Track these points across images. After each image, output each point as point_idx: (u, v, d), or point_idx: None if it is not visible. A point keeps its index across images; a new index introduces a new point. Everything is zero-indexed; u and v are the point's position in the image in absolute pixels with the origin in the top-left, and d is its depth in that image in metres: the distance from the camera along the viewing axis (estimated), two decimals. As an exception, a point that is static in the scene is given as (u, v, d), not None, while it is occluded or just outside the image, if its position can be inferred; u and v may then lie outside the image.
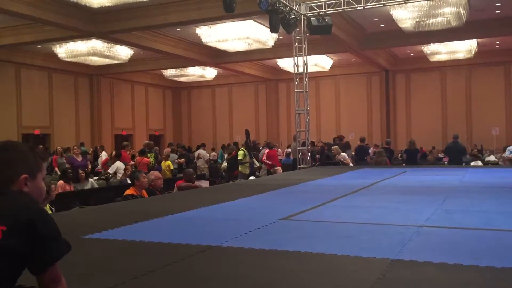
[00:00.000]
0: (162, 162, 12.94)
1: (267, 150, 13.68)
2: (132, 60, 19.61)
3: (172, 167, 12.87)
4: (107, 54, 18.04)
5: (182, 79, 24.46)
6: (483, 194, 5.94)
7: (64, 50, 17.83)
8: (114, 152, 13.99)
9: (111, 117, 24.04)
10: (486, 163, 14.16)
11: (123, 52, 18.52)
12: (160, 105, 27.26)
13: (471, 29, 15.44)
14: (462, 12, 13.16)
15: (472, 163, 12.60)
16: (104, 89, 23.63)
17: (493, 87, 21.04)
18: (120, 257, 3.17)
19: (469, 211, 4.67)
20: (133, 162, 11.76)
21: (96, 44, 17.30)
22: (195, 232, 3.96)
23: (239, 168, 12.51)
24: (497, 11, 15.12)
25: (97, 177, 11.05)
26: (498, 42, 19.24)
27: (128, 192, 6.23)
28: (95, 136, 22.99)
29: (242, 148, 12.89)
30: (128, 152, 13.33)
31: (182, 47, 18.42)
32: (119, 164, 11.08)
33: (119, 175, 10.75)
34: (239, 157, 12.54)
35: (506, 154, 10.93)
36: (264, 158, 13.50)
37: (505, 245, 3.25)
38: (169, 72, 23.55)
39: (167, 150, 14.78)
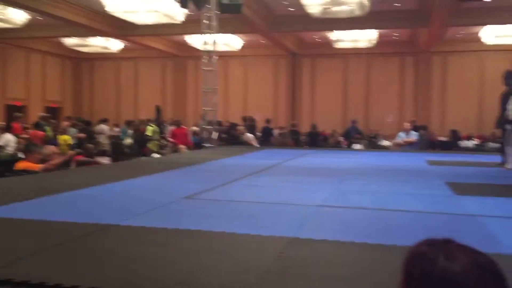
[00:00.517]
0: (60, 136, 12.21)
1: (174, 128, 13.45)
2: (28, 25, 18.11)
3: (70, 142, 12.20)
4: (0, 17, 16.50)
5: (84, 49, 23.06)
6: (376, 176, 6.35)
7: None
8: (2, 123, 12.97)
9: (2, 86, 22.15)
10: (380, 147, 15.15)
11: (18, 16, 17.08)
12: (58, 75, 25.57)
13: (373, 19, 16.24)
14: (365, 2, 13.79)
15: (357, 146, 13.42)
16: (-5, 54, 21.65)
17: (389, 76, 22.42)
18: (9, 235, 2.95)
19: (363, 192, 4.97)
20: (26, 135, 10.98)
21: (-13, 5, 15.74)
22: (93, 210, 3.79)
23: (149, 145, 12.11)
24: (396, 4, 16.05)
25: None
26: (396, 34, 20.48)
27: (19, 166, 5.80)
28: (-17, 105, 21.09)
29: (151, 124, 12.46)
30: (20, 124, 12.41)
31: (84, 15, 17.34)
32: (9, 137, 10.28)
33: (10, 149, 9.98)
34: (148, 133, 12.12)
35: (397, 139, 11.77)
36: (170, 136, 13.28)
37: (394, 224, 3.50)
38: (69, 41, 22.09)
39: (65, 123, 13.98)
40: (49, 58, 24.67)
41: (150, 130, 12.13)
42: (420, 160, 8.55)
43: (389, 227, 3.38)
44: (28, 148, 6.00)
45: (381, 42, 20.04)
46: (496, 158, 8.05)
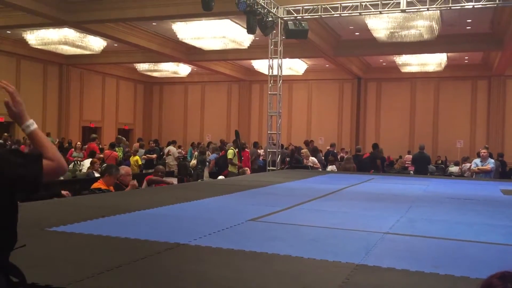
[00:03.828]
0: (131, 157, 12.79)
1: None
2: (104, 51, 19.29)
3: (140, 162, 12.73)
4: (79, 44, 17.69)
5: (155, 74, 24.21)
6: (446, 204, 6.12)
7: (35, 37, 17.39)
8: (78, 143, 13.79)
9: (79, 109, 23.59)
10: (449, 175, 14.57)
11: (96, 43, 18.20)
12: (131, 99, 26.90)
13: (442, 42, 15.85)
14: (434, 26, 13.51)
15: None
16: (74, 79, 23.16)
17: (459, 100, 21.65)
18: (86, 251, 3.13)
19: (432, 220, 4.81)
20: (101, 155, 11.59)
21: (68, 33, 16.95)
22: (163, 229, 3.94)
23: (229, 168, 12.31)
24: (467, 27, 15.58)
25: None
26: (467, 58, 19.82)
27: (95, 185, 6.13)
28: (62, 127, 22.50)
29: (232, 148, 12.69)
30: (96, 145, 13.13)
31: (156, 41, 18.24)
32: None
33: (84, 169, 10.58)
34: (229, 156, 12.32)
35: (473, 166, 11.26)
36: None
37: (464, 254, 3.37)
38: (142, 66, 23.26)
39: (136, 145, 14.62)
40: (122, 82, 26.04)
41: (231, 153, 12.33)
42: (494, 189, 8.15)
43: (459, 257, 3.26)
44: (107, 170, 6.31)
45: (451, 65, 19.47)
46: None
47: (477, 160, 11.11)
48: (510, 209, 5.71)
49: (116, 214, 4.38)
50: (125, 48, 19.72)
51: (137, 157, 12.67)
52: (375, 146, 13.79)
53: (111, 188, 6.20)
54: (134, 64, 23.01)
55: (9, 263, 1.56)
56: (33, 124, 1.79)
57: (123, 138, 14.75)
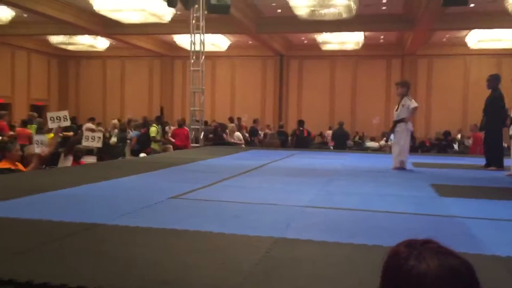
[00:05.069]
0: (46, 134, 12.10)
1: (175, 128, 13.42)
2: (13, 22, 17.90)
3: (57, 140, 12.07)
4: (-16, 13, 16.31)
5: (70, 47, 22.86)
6: (362, 177, 6.41)
7: None
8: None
9: (-14, 83, 21.89)
10: (366, 149, 15.28)
11: (3, 13, 16.87)
12: (44, 73, 25.32)
13: (360, 22, 16.37)
14: (352, 5, 13.90)
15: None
16: (-21, 51, 21.37)
17: (375, 78, 22.60)
18: (-7, 235, 2.93)
19: (349, 193, 5.02)
20: (12, 133, 10.86)
21: (-29, 1, 15.53)
22: (79, 209, 3.78)
23: (152, 145, 11.97)
24: (383, 8, 16.20)
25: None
26: (382, 37, 20.66)
27: (0, 165, 5.73)
28: (-34, 103, 20.79)
29: (155, 125, 12.31)
30: (6, 122, 12.28)
31: (71, 12, 17.18)
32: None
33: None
34: (152, 134, 11.95)
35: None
36: (170, 136, 13.22)
37: (377, 224, 3.55)
38: (55, 39, 21.88)
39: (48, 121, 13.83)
40: (34, 55, 24.41)
41: (153, 130, 11.97)
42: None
43: (373, 227, 3.43)
44: (6, 146, 5.90)
45: (368, 44, 20.19)
46: (481, 161, 8.18)
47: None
48: (418, 180, 6.09)
49: (28, 195, 4.13)
50: (36, 19, 18.40)
51: (52, 134, 12.00)
52: (302, 122, 14.22)
53: (19, 164, 5.83)
54: (47, 36, 21.58)
55: None
56: None
57: (35, 114, 13.89)
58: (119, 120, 16.62)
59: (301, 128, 14.40)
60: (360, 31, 18.25)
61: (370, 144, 16.68)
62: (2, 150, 5.84)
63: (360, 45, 19.71)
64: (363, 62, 22.62)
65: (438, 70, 21.72)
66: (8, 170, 5.59)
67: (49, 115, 7.40)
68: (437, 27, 16.61)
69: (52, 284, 2.02)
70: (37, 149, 6.33)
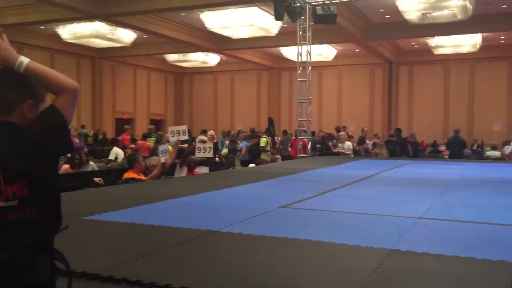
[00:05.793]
0: (164, 147, 12.93)
1: (293, 138, 13.77)
2: (135, 43, 19.55)
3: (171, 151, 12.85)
4: (110, 36, 17.99)
5: (184, 64, 24.40)
6: (482, 188, 5.97)
7: (68, 32, 17.77)
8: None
9: (112, 101, 24.03)
10: (486, 158, 14.19)
11: (126, 35, 18.46)
12: (161, 89, 27.23)
13: (477, 23, 15.36)
14: (468, 5, 13.09)
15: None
16: (106, 72, 23.58)
17: (495, 82, 20.98)
18: (121, 238, 3.20)
19: (467, 204, 4.70)
20: (133, 146, 11.78)
21: (100, 27, 17.24)
22: (195, 216, 3.99)
23: (262, 156, 12.31)
24: (503, 6, 15.03)
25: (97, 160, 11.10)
26: (503, 37, 19.15)
27: (127, 175, 6.25)
28: (96, 119, 22.98)
29: (265, 136, 12.65)
30: (129, 136, 13.36)
31: (185, 32, 18.35)
32: (117, 150, 11.13)
33: (119, 160, 10.79)
34: (262, 145, 12.28)
35: (510, 150, 10.94)
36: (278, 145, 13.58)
37: (501, 238, 3.28)
38: (171, 57, 23.47)
39: (168, 135, 14.77)
40: (153, 73, 26.36)
41: (263, 141, 12.30)
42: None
43: (495, 241, 3.18)
44: (133, 157, 6.43)
45: (486, 46, 18.86)
46: None
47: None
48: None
49: (150, 203, 4.46)
50: (154, 40, 19.92)
51: (169, 147, 12.81)
52: (399, 131, 13.66)
53: (142, 175, 6.31)
54: (164, 55, 23.22)
55: (53, 247, 1.51)
56: (25, 59, 1.56)
57: (154, 127, 14.93)
58: (228, 132, 17.23)
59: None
60: (478, 32, 17.11)
61: (490, 152, 15.43)
62: (132, 161, 6.39)
63: (478, 47, 18.46)
64: (481, 65, 21.12)
65: None
66: (133, 180, 6.08)
67: (170, 129, 7.97)
68: None
69: (175, 286, 2.16)
70: (162, 158, 6.83)
